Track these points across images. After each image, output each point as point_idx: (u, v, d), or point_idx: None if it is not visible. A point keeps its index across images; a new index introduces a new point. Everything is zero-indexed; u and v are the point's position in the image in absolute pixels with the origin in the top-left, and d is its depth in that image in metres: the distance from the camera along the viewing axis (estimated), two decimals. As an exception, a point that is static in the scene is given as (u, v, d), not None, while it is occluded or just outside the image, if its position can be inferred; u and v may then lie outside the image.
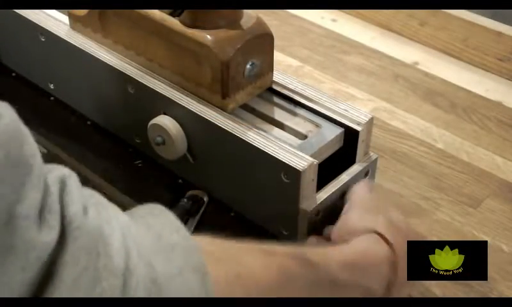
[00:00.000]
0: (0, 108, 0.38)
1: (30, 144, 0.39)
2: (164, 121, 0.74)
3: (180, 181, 0.78)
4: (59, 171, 0.41)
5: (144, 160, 0.81)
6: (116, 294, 0.38)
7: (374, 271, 0.58)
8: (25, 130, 0.39)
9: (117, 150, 0.83)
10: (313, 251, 0.57)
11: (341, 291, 0.55)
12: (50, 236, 0.37)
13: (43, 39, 0.85)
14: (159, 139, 0.74)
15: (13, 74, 0.95)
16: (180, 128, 0.74)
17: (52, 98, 0.91)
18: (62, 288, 0.37)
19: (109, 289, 0.38)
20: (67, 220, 0.38)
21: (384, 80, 1.00)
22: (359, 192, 0.67)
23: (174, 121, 0.74)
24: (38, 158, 0.39)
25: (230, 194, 0.74)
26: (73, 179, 0.41)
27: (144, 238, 0.42)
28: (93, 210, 0.40)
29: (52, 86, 0.90)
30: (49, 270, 0.37)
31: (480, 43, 1.02)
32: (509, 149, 0.88)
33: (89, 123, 0.87)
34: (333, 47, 1.08)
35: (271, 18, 0.95)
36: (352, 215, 0.63)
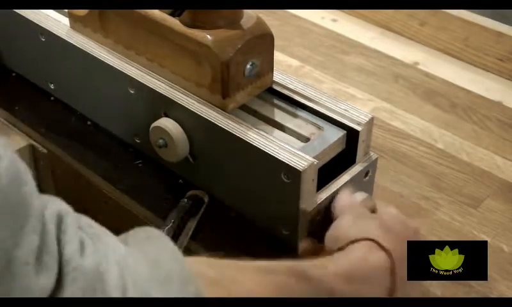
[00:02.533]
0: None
1: (29, 183, 0.38)
2: (166, 123, 0.74)
3: (180, 181, 0.78)
4: (55, 206, 0.41)
5: (144, 160, 0.81)
6: None
7: (372, 280, 0.56)
8: (23, 169, 0.38)
9: (117, 150, 0.83)
10: (311, 264, 0.55)
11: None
12: (48, 279, 0.37)
13: (43, 39, 0.85)
14: (161, 142, 0.74)
15: (13, 74, 0.95)
16: (182, 131, 0.73)
17: (52, 98, 0.91)
18: None
19: None
20: (64, 261, 0.38)
21: (384, 80, 1.00)
22: (345, 199, 0.66)
23: (176, 123, 0.74)
24: (36, 196, 0.39)
25: (230, 194, 0.74)
26: (69, 214, 0.41)
27: (141, 269, 0.42)
28: (90, 245, 0.40)
29: (52, 86, 0.90)
30: None
31: (480, 43, 1.02)
32: (509, 149, 0.88)
33: (89, 123, 0.87)
34: (333, 47, 1.08)
35: (271, 18, 0.94)
36: (343, 223, 0.62)
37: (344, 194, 0.67)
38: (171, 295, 0.42)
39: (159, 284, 0.42)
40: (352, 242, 0.58)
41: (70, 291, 0.37)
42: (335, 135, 0.71)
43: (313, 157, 0.67)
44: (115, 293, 0.39)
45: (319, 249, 0.65)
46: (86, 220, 0.43)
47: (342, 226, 0.62)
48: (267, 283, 0.50)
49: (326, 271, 0.55)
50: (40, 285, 0.37)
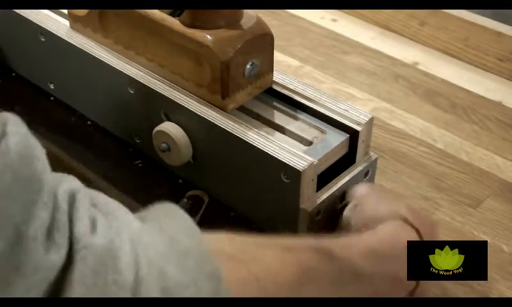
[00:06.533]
0: (11, 125, 0.38)
1: (41, 159, 0.39)
2: (169, 127, 0.74)
3: (180, 181, 0.79)
4: (68, 184, 0.41)
5: (144, 160, 0.81)
6: None
7: (401, 257, 0.56)
8: (35, 145, 0.39)
9: (117, 150, 0.83)
10: (335, 242, 0.54)
11: (366, 283, 0.53)
12: (57, 256, 0.37)
13: (43, 39, 0.85)
14: (164, 146, 0.74)
15: (13, 74, 0.95)
16: (185, 134, 0.73)
17: (52, 98, 0.91)
18: None
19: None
20: (74, 238, 0.38)
21: (384, 80, 1.00)
22: (362, 188, 0.67)
23: (179, 127, 0.73)
24: (49, 172, 0.39)
25: (230, 194, 0.74)
26: (82, 191, 0.41)
27: (156, 245, 0.42)
28: (103, 223, 0.40)
29: (52, 86, 0.90)
30: (56, 289, 0.37)
31: (480, 43, 1.02)
32: (509, 149, 0.88)
33: (89, 123, 0.87)
34: (333, 47, 1.08)
35: (271, 18, 0.95)
36: (369, 203, 0.62)
37: (360, 185, 0.68)
38: (187, 271, 0.41)
39: (175, 259, 0.41)
40: (382, 220, 0.58)
41: (79, 269, 0.37)
42: (337, 138, 0.71)
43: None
44: (127, 271, 0.38)
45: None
46: (101, 197, 0.43)
47: (368, 207, 0.62)
48: (288, 261, 0.48)
49: (351, 249, 0.53)
50: (49, 262, 0.37)
